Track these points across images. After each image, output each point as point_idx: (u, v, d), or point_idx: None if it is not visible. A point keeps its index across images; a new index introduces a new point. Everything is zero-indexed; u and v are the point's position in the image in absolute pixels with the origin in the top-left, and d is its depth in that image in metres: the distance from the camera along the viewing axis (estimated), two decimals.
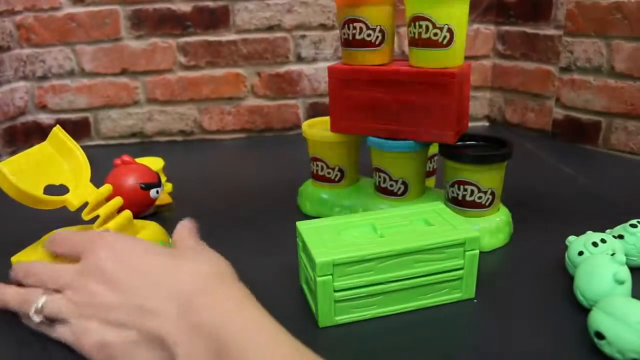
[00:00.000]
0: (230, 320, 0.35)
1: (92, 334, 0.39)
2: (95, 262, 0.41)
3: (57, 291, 0.42)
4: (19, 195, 0.50)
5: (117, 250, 0.41)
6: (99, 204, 0.54)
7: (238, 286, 0.39)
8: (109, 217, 0.54)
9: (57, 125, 0.56)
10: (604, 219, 0.58)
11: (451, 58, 0.57)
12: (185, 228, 0.49)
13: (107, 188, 0.56)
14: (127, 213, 0.56)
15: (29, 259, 0.54)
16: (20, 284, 0.46)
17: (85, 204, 0.53)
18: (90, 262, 0.41)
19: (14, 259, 0.55)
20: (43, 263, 0.46)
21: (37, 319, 0.42)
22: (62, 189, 0.54)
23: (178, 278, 0.39)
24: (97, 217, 0.53)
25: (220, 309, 0.36)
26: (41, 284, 0.44)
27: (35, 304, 0.42)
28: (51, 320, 0.42)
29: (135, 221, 0.58)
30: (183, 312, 0.36)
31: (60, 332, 0.41)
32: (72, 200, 0.52)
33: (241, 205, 0.73)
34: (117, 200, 0.56)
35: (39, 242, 0.57)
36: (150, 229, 0.58)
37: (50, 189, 0.52)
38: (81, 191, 0.54)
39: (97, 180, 0.56)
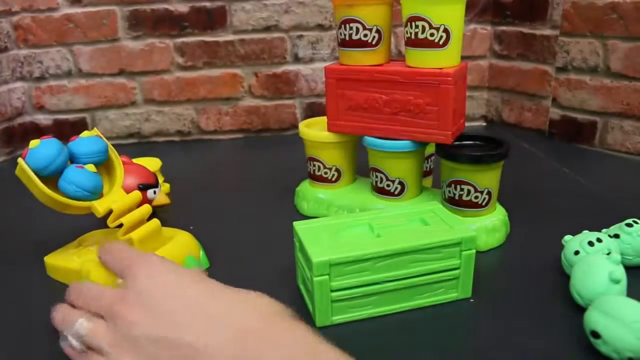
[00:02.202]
0: None
1: None
2: (137, 288, 0.37)
3: (100, 316, 0.38)
4: (45, 198, 0.50)
5: (163, 277, 0.37)
6: (125, 212, 0.52)
7: (301, 324, 0.34)
8: (134, 226, 0.52)
9: (95, 128, 0.55)
10: (600, 218, 0.59)
11: (448, 58, 0.58)
12: None
13: (135, 195, 0.54)
14: (155, 222, 0.54)
15: (62, 259, 0.55)
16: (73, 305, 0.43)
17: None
18: (132, 288, 0.37)
19: (47, 258, 0.55)
20: (92, 284, 0.42)
21: (74, 342, 0.38)
22: None
23: (235, 313, 0.34)
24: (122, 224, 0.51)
25: (289, 350, 0.32)
26: (85, 306, 0.40)
27: (73, 326, 0.38)
28: (87, 347, 0.38)
29: (164, 229, 0.56)
30: (243, 352, 0.31)
31: None
32: (98, 206, 0.51)
33: (238, 206, 0.73)
34: (144, 209, 0.54)
35: (72, 243, 0.58)
36: (180, 239, 0.56)
37: None
38: (109, 197, 0.52)
39: None
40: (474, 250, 0.48)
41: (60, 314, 0.42)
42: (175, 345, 0.33)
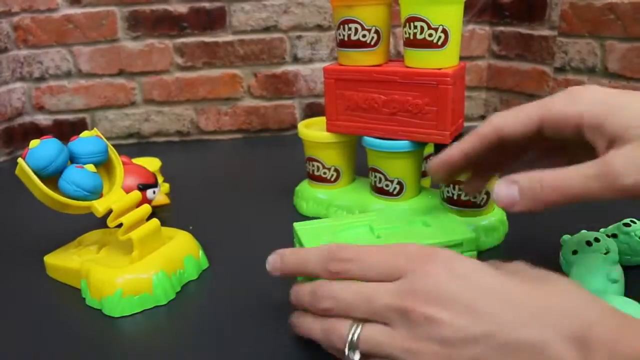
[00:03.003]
0: None
1: None
2: (426, 281, 0.31)
3: (366, 319, 0.33)
4: (45, 198, 0.50)
5: (457, 268, 0.32)
6: (125, 211, 0.52)
7: None
8: (134, 226, 0.52)
9: (95, 129, 0.55)
10: (598, 218, 0.59)
11: (446, 58, 0.58)
12: None
13: (135, 195, 0.54)
14: (155, 222, 0.54)
15: (62, 259, 0.55)
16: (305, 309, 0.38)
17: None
18: (418, 280, 0.32)
19: (47, 258, 0.56)
20: (342, 283, 0.35)
21: (355, 357, 0.33)
22: None
23: (563, 306, 0.29)
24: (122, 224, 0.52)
25: None
26: (345, 310, 0.34)
27: (348, 336, 0.33)
28: (366, 356, 0.33)
29: (164, 229, 0.56)
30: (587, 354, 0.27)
31: None
32: (98, 206, 0.51)
33: (238, 205, 0.73)
34: (144, 209, 0.54)
35: (72, 242, 0.58)
36: (179, 239, 0.56)
37: None
38: (109, 197, 0.53)
39: None
40: (475, 252, 0.48)
41: (319, 325, 0.36)
42: (505, 344, 0.28)
